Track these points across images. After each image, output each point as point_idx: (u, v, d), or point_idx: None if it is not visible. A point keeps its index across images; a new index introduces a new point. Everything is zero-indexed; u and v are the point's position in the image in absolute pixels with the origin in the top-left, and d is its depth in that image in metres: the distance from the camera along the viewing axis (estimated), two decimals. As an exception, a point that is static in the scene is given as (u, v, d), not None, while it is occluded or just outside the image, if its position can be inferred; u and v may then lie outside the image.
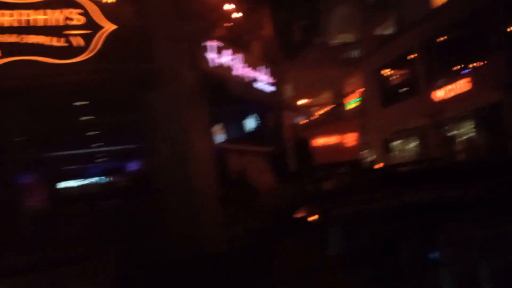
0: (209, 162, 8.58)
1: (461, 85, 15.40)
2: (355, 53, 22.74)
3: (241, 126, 11.50)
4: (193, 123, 8.80)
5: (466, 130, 18.85)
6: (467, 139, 18.50)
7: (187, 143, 8.36)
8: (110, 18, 8.40)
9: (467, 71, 15.69)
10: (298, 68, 20.95)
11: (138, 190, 8.22)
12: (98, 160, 8.67)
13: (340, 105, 22.44)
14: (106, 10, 8.49)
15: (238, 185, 8.25)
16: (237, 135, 10.66)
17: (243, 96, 11.75)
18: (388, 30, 23.56)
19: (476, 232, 3.47)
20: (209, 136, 9.07)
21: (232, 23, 14.06)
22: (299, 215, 7.24)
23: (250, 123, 12.17)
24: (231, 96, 10.37)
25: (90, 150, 8.86)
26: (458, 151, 17.23)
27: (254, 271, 5.38)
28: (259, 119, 11.61)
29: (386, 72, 21.04)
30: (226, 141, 9.37)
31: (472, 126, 18.32)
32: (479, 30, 14.69)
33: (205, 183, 8.16)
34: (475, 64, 15.59)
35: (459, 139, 18.65)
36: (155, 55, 8.67)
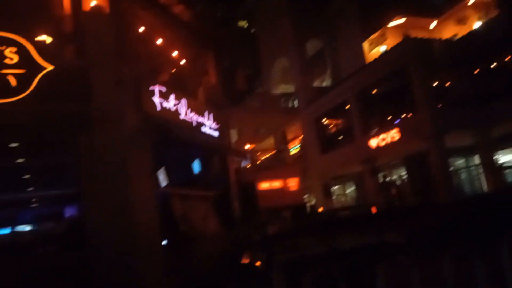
0: (152, 207, 8.35)
1: (392, 135, 16.59)
2: (295, 102, 23.86)
3: (185, 170, 11.39)
4: (136, 166, 8.60)
5: (398, 176, 20.17)
6: (400, 184, 19.75)
7: (128, 188, 8.11)
8: (48, 58, 8.23)
9: (397, 121, 17.01)
10: (242, 115, 21.52)
11: (74, 238, 7.71)
12: (32, 205, 8.07)
13: (283, 150, 23.09)
14: (44, 50, 8.33)
15: (181, 230, 8.05)
16: (181, 179, 10.53)
17: (187, 140, 11.74)
18: (326, 82, 25.19)
19: (413, 272, 3.66)
20: (152, 180, 8.88)
21: (177, 69, 14.33)
22: (243, 260, 7.19)
23: (195, 168, 12.10)
24: (175, 140, 10.32)
25: (23, 194, 8.26)
26: (392, 195, 18.23)
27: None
28: (203, 163, 11.60)
29: (324, 121, 22.20)
30: (169, 185, 9.21)
31: (403, 172, 19.66)
32: (406, 85, 16.14)
33: (147, 229, 7.89)
34: (404, 115, 16.98)
35: (393, 184, 19.85)
36: (95, 96, 8.53)
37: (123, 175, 8.18)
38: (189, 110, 12.80)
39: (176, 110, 12.11)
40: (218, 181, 13.10)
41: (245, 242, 8.16)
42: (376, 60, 18.21)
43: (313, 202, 23.65)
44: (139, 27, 11.93)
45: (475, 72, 16.25)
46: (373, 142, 17.49)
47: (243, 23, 43.51)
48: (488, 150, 16.06)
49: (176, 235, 7.82)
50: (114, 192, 7.92)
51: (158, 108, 10.98)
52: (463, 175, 16.59)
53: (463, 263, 3.76)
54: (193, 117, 13.14)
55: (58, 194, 8.16)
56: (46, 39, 9.07)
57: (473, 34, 16.81)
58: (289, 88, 25.57)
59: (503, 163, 16.79)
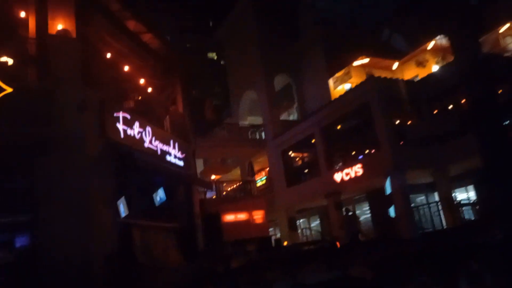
0: (111, 237, 7.96)
1: (356, 170, 16.93)
2: (263, 134, 24.06)
3: (148, 200, 11.03)
4: (96, 195, 8.25)
5: (361, 211, 20.45)
6: (363, 219, 20.00)
7: (87, 217, 7.72)
8: (7, 80, 7.95)
9: (361, 157, 17.42)
10: (209, 145, 21.40)
11: (25, 268, 7.16)
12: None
13: (249, 182, 22.98)
14: (3, 72, 8.06)
15: (140, 263, 7.68)
16: (144, 210, 10.16)
17: (151, 169, 11.47)
18: (293, 116, 25.67)
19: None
20: (113, 209, 8.52)
21: (144, 96, 14.19)
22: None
23: (158, 197, 11.75)
24: (138, 168, 10.04)
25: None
26: (355, 230, 18.35)
27: None
28: (167, 193, 11.28)
29: (291, 153, 22.43)
30: (130, 216, 8.85)
31: (367, 207, 19.97)
32: (369, 122, 16.68)
33: (105, 260, 7.47)
34: (367, 151, 17.44)
35: (356, 219, 20.06)
36: (57, 120, 8.24)
37: (81, 203, 7.80)
38: (154, 138, 12.60)
39: (141, 138, 11.89)
40: (182, 212, 12.77)
41: (208, 276, 7.88)
42: (341, 97, 18.80)
43: (278, 235, 23.45)
44: (106, 53, 11.82)
45: (434, 112, 17.07)
46: (338, 177, 17.75)
47: (213, 55, 44.20)
48: (446, 188, 16.66)
49: (134, 268, 7.44)
50: (71, 220, 7.52)
51: (122, 135, 10.73)
52: (423, 211, 17.02)
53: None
54: (158, 146, 12.93)
55: (9, 221, 7.65)
56: (8, 60, 8.79)
57: (431, 76, 17.78)
58: (257, 120, 25.83)
59: (460, 200, 17.43)
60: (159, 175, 12.03)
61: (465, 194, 18.09)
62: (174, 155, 13.97)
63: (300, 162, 23.09)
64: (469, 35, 7.92)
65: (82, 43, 9.78)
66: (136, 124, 11.70)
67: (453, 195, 17.12)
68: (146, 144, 12.23)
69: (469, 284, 3.87)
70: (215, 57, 43.87)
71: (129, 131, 11.26)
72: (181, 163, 14.24)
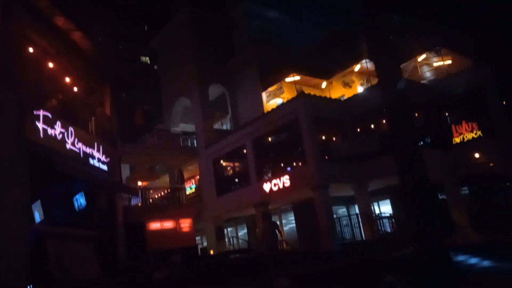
0: (21, 246, 7.28)
1: (284, 181, 17.38)
2: (194, 142, 23.78)
3: (67, 207, 10.30)
4: (8, 198, 7.52)
5: (287, 221, 20.99)
6: (288, 228, 20.55)
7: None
8: None
9: (289, 169, 17.94)
10: (138, 151, 20.64)
11: None
12: None
13: (178, 190, 22.48)
14: None
15: (54, 276, 7.11)
16: (61, 216, 9.46)
17: (72, 173, 10.76)
18: (226, 125, 25.73)
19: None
20: (27, 215, 7.82)
21: (69, 96, 13.32)
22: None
23: (77, 203, 11.03)
24: (58, 171, 9.37)
25: None
26: (281, 240, 18.76)
27: None
28: (88, 199, 10.65)
29: (222, 163, 22.41)
30: (46, 222, 8.17)
31: (292, 217, 20.55)
32: (298, 136, 17.28)
33: (15, 271, 6.80)
34: (295, 164, 18.01)
35: (285, 228, 20.58)
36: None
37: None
38: (77, 140, 11.90)
39: (62, 139, 11.17)
40: (103, 219, 12.10)
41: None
42: (272, 111, 19.28)
43: (205, 244, 23.16)
44: (30, 50, 10.99)
45: (357, 130, 18.16)
46: (267, 187, 18.08)
47: (146, 59, 43.00)
48: (365, 201, 17.75)
49: (46, 280, 6.87)
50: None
51: (41, 134, 10.02)
52: (345, 223, 17.92)
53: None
54: (81, 148, 12.21)
55: None
56: None
57: (356, 97, 18.95)
58: (189, 127, 25.48)
59: (378, 213, 18.65)
60: (80, 179, 11.33)
61: (383, 208, 19.41)
62: (98, 158, 13.27)
63: (231, 172, 23.16)
64: (391, 62, 8.62)
65: (4, 38, 8.99)
66: (58, 124, 10.97)
67: (371, 208, 18.28)
68: (68, 146, 11.49)
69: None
70: (149, 62, 42.70)
71: (49, 131, 10.53)
72: (105, 167, 13.55)
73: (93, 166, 12.73)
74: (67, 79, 12.98)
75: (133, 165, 26.24)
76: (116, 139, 15.67)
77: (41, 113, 10.23)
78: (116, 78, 16.06)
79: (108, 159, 13.84)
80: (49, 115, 10.56)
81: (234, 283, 7.53)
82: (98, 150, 13.32)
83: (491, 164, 16.60)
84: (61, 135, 11.11)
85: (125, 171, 24.44)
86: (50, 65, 11.99)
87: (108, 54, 15.80)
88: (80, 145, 12.18)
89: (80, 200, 11.20)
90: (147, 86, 29.39)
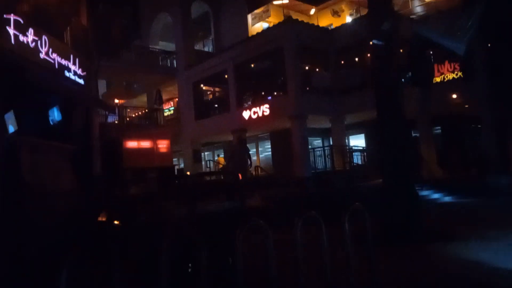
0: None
1: (264, 109, 17.41)
2: (174, 62, 23.07)
3: (41, 118, 10.09)
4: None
5: (263, 149, 21.43)
6: (264, 156, 21.05)
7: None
8: None
9: (269, 98, 17.88)
10: (115, 66, 19.88)
11: None
12: None
13: (156, 110, 22.25)
14: None
15: (28, 184, 7.16)
16: (36, 128, 9.29)
17: (46, 84, 10.40)
18: (208, 47, 24.88)
19: (269, 236, 3.91)
20: (-2, 124, 7.65)
21: (43, 1, 12.39)
22: (99, 218, 6.80)
23: (52, 116, 10.80)
24: (32, 80, 9.03)
25: None
26: (257, 166, 19.30)
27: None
28: (64, 112, 10.41)
29: (202, 86, 22.05)
30: (19, 133, 8.03)
31: (268, 145, 20.96)
32: (281, 65, 16.98)
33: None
34: (276, 93, 17.92)
35: (261, 155, 21.06)
36: None
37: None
38: (51, 50, 11.33)
39: (36, 47, 10.61)
40: (79, 133, 12.00)
41: (104, 201, 7.71)
42: (257, 35, 18.64)
43: (182, 165, 23.61)
44: None
45: (341, 63, 17.95)
46: (246, 114, 18.12)
47: (126, -33, 39.74)
48: (340, 134, 18.17)
49: (20, 190, 6.93)
50: None
51: (13, 40, 9.48)
52: (318, 153, 18.43)
53: (312, 229, 4.18)
54: (56, 59, 11.68)
55: None
56: None
57: (344, 27, 18.43)
58: (169, 46, 24.52)
59: (351, 146, 19.20)
60: (55, 91, 10.98)
61: (357, 142, 19.95)
62: (74, 71, 12.76)
63: (211, 96, 22.92)
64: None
65: None
66: (31, 31, 10.32)
67: (346, 141, 18.78)
68: (42, 55, 10.94)
69: (352, 221, 4.40)
70: (128, -31, 39.59)
71: (21, 38, 9.94)
72: (81, 81, 13.11)
73: (69, 79, 12.29)
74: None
75: (110, 82, 25.52)
76: (93, 52, 14.99)
77: (12, 17, 9.57)
78: (92, -15, 14.94)
79: (84, 72, 13.34)
80: (21, 21, 9.89)
81: (207, 201, 7.82)
82: (74, 63, 12.76)
83: (466, 106, 16.99)
84: (34, 43, 10.51)
85: (102, 87, 23.79)
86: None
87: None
88: (55, 55, 11.60)
89: (54, 114, 10.96)
90: (126, -2, 27.53)
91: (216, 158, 22.63)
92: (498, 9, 16.84)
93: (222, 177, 14.24)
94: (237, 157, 11.47)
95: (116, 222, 6.97)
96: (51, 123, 10.70)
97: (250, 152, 12.16)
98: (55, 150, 9.11)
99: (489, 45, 15.93)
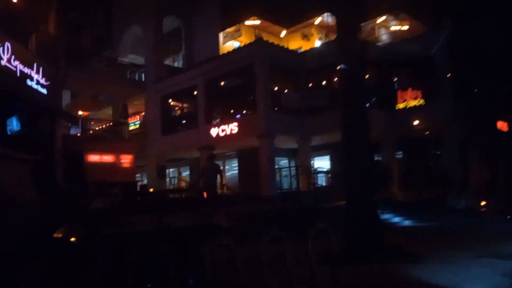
0: None
1: (232, 127, 17.45)
2: (143, 76, 22.81)
3: (2, 127, 9.66)
4: None
5: (230, 167, 21.36)
6: (231, 174, 20.97)
7: None
8: None
9: (238, 116, 17.97)
10: (81, 77, 19.42)
11: None
12: None
13: (121, 124, 21.78)
14: None
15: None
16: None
17: (7, 91, 10.01)
18: (178, 63, 24.83)
19: (236, 252, 3.89)
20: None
21: (8, 7, 12.04)
22: (57, 234, 6.49)
23: (11, 126, 10.37)
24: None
25: None
26: (223, 184, 19.15)
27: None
28: (25, 122, 10.03)
29: (171, 101, 21.87)
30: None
31: (235, 163, 20.93)
32: (251, 83, 17.18)
33: None
34: (245, 111, 18.05)
35: (228, 174, 20.95)
36: None
37: None
38: (14, 57, 10.97)
39: (-1, 54, 10.23)
40: (41, 144, 11.56)
41: (65, 214, 7.40)
42: (229, 53, 18.84)
43: (145, 182, 23.09)
44: None
45: (309, 85, 18.39)
46: (214, 132, 18.07)
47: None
48: (306, 155, 18.45)
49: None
50: None
51: (-26, 45, 9.10)
52: (285, 173, 18.59)
53: (277, 246, 4.20)
54: (18, 66, 11.30)
55: None
56: None
57: (313, 50, 18.98)
58: (138, 60, 24.26)
59: (316, 168, 19.51)
60: (16, 99, 10.58)
61: (322, 163, 20.31)
62: (37, 80, 12.37)
63: (179, 112, 22.74)
64: (352, 18, 8.65)
65: None
66: (-6, 36, 9.98)
67: (311, 162, 19.06)
68: (3, 62, 10.57)
69: (317, 238, 4.45)
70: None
71: (-17, 43, 9.59)
72: (44, 91, 12.70)
73: (31, 88, 11.88)
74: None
75: (75, 92, 24.83)
76: (59, 61, 14.62)
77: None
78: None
79: (48, 82, 12.95)
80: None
81: (174, 215, 7.67)
82: (38, 72, 12.38)
83: (427, 132, 17.78)
84: (-4, 49, 10.16)
85: (66, 98, 23.11)
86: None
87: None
88: (17, 63, 11.22)
89: (13, 123, 10.53)
90: (98, 7, 27.11)
91: (178, 175, 22.37)
92: (462, 35, 17.98)
93: (185, 195, 14.06)
94: (207, 174, 11.26)
95: (73, 238, 6.69)
96: (9, 132, 10.28)
97: (221, 168, 11.96)
98: (16, 159, 8.72)
99: (448, 75, 16.85)
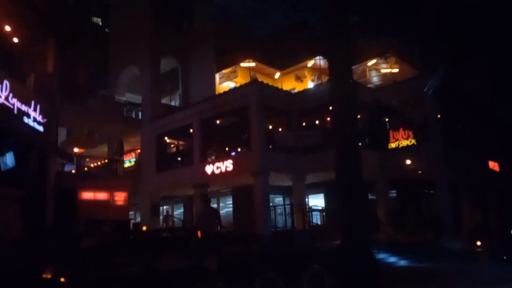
0: None
1: (227, 165, 17.46)
2: (139, 114, 23.02)
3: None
4: None
5: (225, 204, 21.18)
6: (225, 212, 20.74)
7: None
8: None
9: (233, 154, 18.04)
10: (78, 114, 19.60)
11: None
12: None
13: (116, 161, 21.72)
14: None
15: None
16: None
17: (2, 129, 10.05)
18: (175, 102, 25.16)
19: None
20: None
21: (7, 46, 12.33)
22: (45, 274, 6.32)
23: (5, 162, 10.33)
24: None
25: None
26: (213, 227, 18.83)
27: None
28: (18, 157, 10.00)
29: (166, 139, 21.96)
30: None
31: (230, 201, 20.77)
32: (246, 122, 17.38)
33: None
34: (240, 149, 18.14)
35: (222, 211, 20.71)
36: None
37: None
38: (12, 95, 11.11)
39: (-4, 92, 10.36)
40: (32, 180, 11.46)
41: (53, 254, 7.23)
42: (224, 93, 19.17)
43: (138, 219, 22.73)
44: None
45: (302, 124, 18.63)
46: (209, 169, 18.05)
47: (98, 20, 40.64)
48: (301, 193, 18.38)
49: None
50: None
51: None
52: (279, 211, 18.42)
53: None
54: (16, 104, 11.42)
55: None
56: None
57: (306, 91, 19.37)
58: (135, 98, 24.57)
59: (311, 206, 19.39)
60: (10, 136, 10.60)
61: (316, 201, 20.21)
62: (34, 118, 12.46)
63: (174, 149, 22.79)
64: (344, 61, 8.92)
65: None
66: (-9, 75, 10.15)
67: (306, 200, 18.96)
68: (1, 100, 10.69)
69: (311, 282, 4.38)
70: (100, 23, 40.39)
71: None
72: (40, 128, 12.77)
73: (27, 125, 11.95)
74: (8, 27, 11.98)
75: (71, 129, 24.92)
76: (56, 98, 14.79)
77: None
78: (62, 33, 15.07)
79: (45, 119, 13.05)
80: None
81: (165, 258, 7.52)
82: (35, 109, 12.50)
83: (420, 172, 17.87)
84: (-7, 87, 10.30)
85: (61, 134, 23.16)
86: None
87: (57, 6, 14.75)
88: (14, 101, 11.36)
89: (8, 160, 10.49)
90: (95, 47, 27.71)
91: (165, 214, 22.09)
92: (452, 80, 18.52)
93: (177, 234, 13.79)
94: (205, 222, 10.21)
95: (62, 279, 6.51)
96: (3, 168, 10.21)
97: (219, 213, 10.93)
98: (4, 196, 8.61)
99: (438, 116, 17.18)
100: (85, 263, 7.38)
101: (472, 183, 19.42)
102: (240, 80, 21.98)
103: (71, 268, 6.79)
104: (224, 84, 22.80)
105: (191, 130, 19.64)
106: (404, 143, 17.57)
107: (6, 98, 10.92)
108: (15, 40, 12.47)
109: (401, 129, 17.74)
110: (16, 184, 9.68)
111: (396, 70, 21.29)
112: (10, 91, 11.02)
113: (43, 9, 13.30)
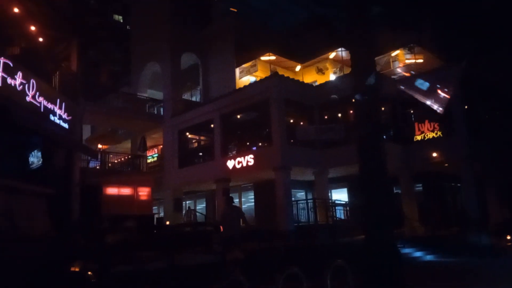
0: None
1: (248, 160, 17.45)
2: (161, 110, 23.28)
3: (20, 159, 9.89)
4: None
5: (246, 199, 21.21)
6: (247, 206, 20.78)
7: None
8: None
9: (254, 148, 18.01)
10: (101, 112, 19.98)
11: None
12: None
13: (139, 157, 22.05)
14: None
15: (3, 227, 6.85)
16: (13, 169, 9.06)
17: (30, 126, 10.31)
18: (196, 97, 25.31)
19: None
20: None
21: (33, 46, 12.62)
22: (72, 268, 6.46)
23: (33, 160, 10.61)
24: (16, 122, 8.96)
25: None
26: (237, 229, 18.86)
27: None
28: (44, 155, 10.24)
29: (188, 135, 22.14)
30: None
31: (252, 196, 20.78)
32: (267, 117, 17.30)
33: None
34: (261, 144, 18.10)
35: (244, 206, 20.78)
36: None
37: None
38: (38, 93, 11.39)
39: (23, 90, 10.67)
40: (59, 177, 11.75)
41: (79, 249, 7.39)
42: (245, 88, 19.12)
43: (161, 214, 23.05)
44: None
45: (324, 118, 18.40)
46: (230, 164, 18.10)
47: (119, 18, 41.23)
48: (323, 187, 18.20)
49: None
50: None
51: (0, 83, 9.52)
52: (302, 206, 18.31)
53: (294, 285, 4.06)
54: (42, 102, 11.71)
55: None
56: None
57: (328, 84, 19.10)
58: (156, 94, 24.86)
59: (334, 200, 19.19)
60: (38, 134, 10.87)
61: (340, 195, 19.98)
62: (59, 115, 12.75)
63: (196, 145, 22.94)
64: (366, 53, 8.71)
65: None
66: (19, 74, 10.42)
67: (329, 194, 18.78)
68: (28, 99, 10.96)
69: (334, 278, 4.30)
70: (121, 20, 41.01)
71: (9, 80, 10.03)
72: (65, 125, 13.06)
73: (54, 123, 12.23)
74: (33, 28, 12.26)
75: (95, 126, 25.46)
76: (79, 96, 15.09)
77: (1, 60, 9.69)
78: (85, 31, 15.36)
79: (70, 117, 13.34)
80: (10, 64, 10.01)
81: (187, 253, 7.56)
82: (60, 107, 12.79)
83: (446, 165, 17.40)
84: (21, 86, 10.57)
85: (86, 131, 23.68)
86: (15, 10, 11.28)
87: (79, 5, 15.02)
88: (41, 99, 11.64)
89: (36, 157, 10.78)
90: (117, 45, 28.13)
91: (186, 209, 22.26)
92: (477, 71, 17.90)
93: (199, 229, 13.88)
94: (229, 222, 9.75)
95: (89, 273, 6.64)
96: (31, 167, 10.49)
97: (242, 212, 10.49)
98: (32, 193, 8.85)
99: (466, 107, 16.66)
100: (110, 257, 7.50)
101: (500, 176, 18.79)
102: (260, 74, 21.86)
103: (97, 263, 6.92)
104: (244, 78, 22.73)
105: (212, 125, 19.71)
106: (430, 135, 17.12)
107: (33, 97, 11.19)
108: (40, 40, 12.75)
109: (426, 121, 17.28)
110: (43, 181, 9.93)
111: (420, 61, 20.71)
112: (37, 90, 11.28)
113: (65, 9, 13.55)
